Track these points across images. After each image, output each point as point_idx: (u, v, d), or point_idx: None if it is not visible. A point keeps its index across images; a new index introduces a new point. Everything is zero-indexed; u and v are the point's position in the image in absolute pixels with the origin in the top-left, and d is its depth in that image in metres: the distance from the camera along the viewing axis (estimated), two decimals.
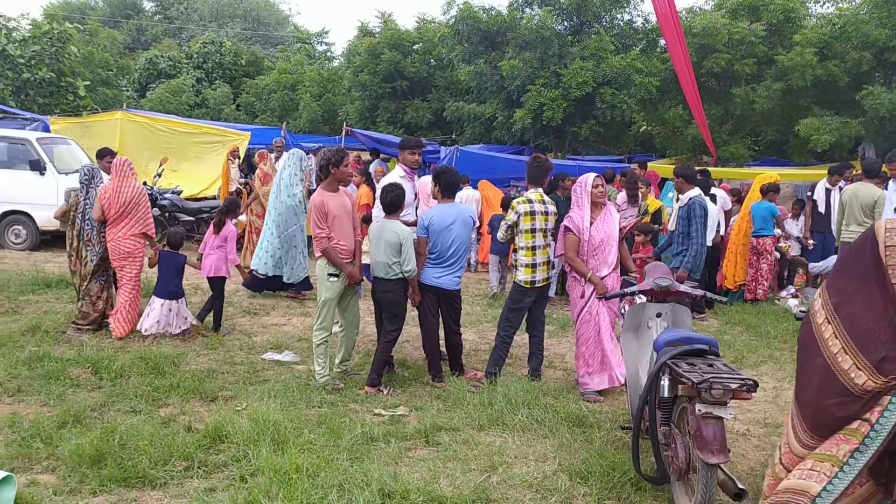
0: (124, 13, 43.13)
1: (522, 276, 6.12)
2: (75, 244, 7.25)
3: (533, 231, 6.09)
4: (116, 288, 7.37)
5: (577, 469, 4.41)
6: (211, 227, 7.72)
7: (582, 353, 6.10)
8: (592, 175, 6.01)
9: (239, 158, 13.25)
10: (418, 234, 6.17)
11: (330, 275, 5.89)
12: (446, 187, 6.21)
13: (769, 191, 10.02)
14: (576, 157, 18.78)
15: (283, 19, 48.37)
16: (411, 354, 7.04)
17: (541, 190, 6.30)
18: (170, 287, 7.25)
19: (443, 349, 6.43)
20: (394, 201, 5.93)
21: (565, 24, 19.28)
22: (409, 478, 4.23)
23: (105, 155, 9.06)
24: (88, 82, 22.15)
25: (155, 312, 7.16)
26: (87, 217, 7.23)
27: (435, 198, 6.34)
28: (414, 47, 23.49)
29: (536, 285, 6.15)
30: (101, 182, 7.42)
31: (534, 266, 6.10)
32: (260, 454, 4.32)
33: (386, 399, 5.75)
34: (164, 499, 3.94)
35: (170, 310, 7.20)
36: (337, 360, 6.17)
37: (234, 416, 4.91)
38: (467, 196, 11.34)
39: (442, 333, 6.34)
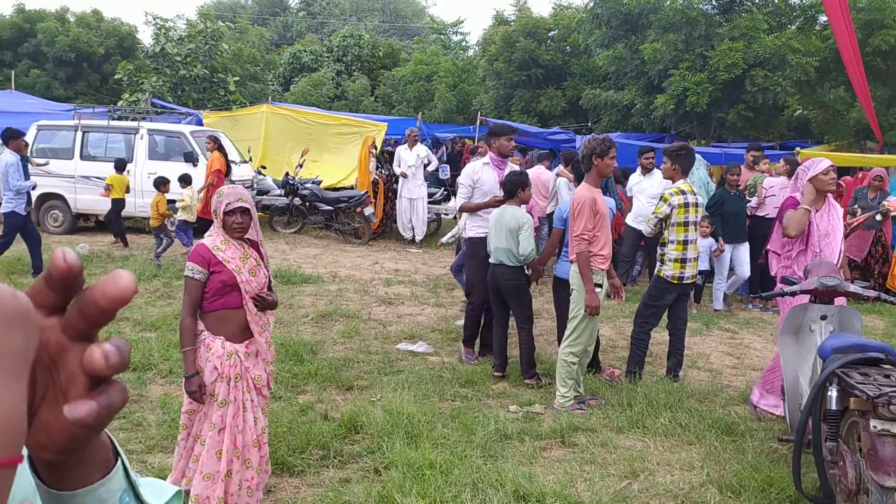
0: (272, 11, 45.22)
1: (670, 270, 5.75)
2: None
3: (686, 224, 5.73)
4: None
5: (727, 482, 4.08)
6: None
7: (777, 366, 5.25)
8: (825, 161, 5.19)
9: (376, 149, 13.47)
10: (555, 225, 6.03)
11: (595, 284, 5.30)
12: (580, 176, 5.98)
13: None
14: (721, 143, 17.79)
15: (420, 11, 49.08)
16: (545, 349, 6.85)
17: (689, 180, 5.92)
18: None
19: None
20: (513, 186, 5.76)
21: (713, 2, 18.28)
22: (545, 480, 4.07)
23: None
24: (238, 78, 23.36)
25: None
26: None
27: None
28: (549, 34, 23.09)
29: (684, 282, 5.80)
30: None
31: (684, 261, 5.74)
32: (394, 447, 4.29)
33: (520, 395, 5.61)
34: (301, 486, 3.99)
35: None
36: (581, 389, 5.53)
37: (368, 407, 4.92)
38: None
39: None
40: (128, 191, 10.99)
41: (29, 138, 12.45)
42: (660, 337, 6.56)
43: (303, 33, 41.05)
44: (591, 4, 18.61)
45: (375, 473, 4.11)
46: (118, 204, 10.93)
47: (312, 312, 7.71)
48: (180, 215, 10.19)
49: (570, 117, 22.10)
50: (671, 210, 5.72)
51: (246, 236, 3.50)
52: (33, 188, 9.06)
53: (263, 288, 3.51)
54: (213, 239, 3.48)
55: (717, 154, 13.74)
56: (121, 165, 11.03)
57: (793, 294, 4.50)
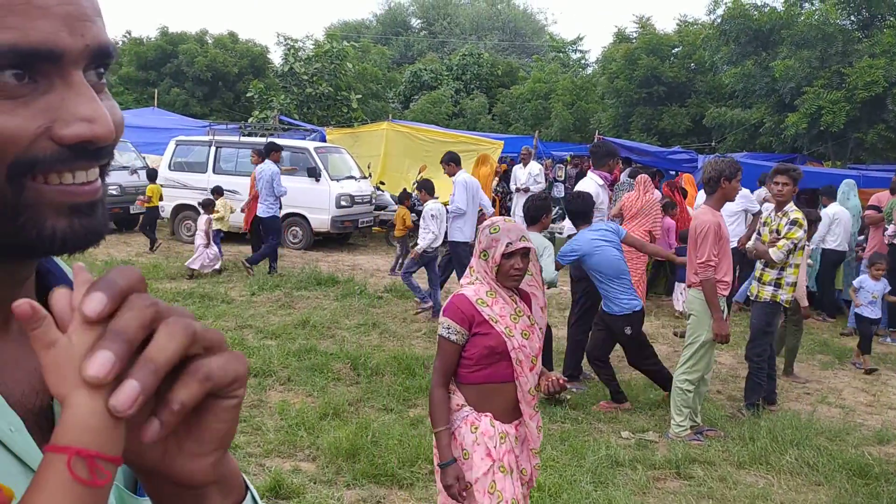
0: (394, 30, 46.47)
1: (785, 295, 5.56)
2: None
3: (803, 248, 5.62)
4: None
5: None
6: None
7: None
8: None
9: (492, 167, 13.53)
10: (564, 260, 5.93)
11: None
12: None
13: None
14: (858, 165, 16.72)
15: (540, 29, 49.08)
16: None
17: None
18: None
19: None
20: (538, 212, 5.54)
21: (852, 18, 17.28)
22: None
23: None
24: (360, 95, 24.07)
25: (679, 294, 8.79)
26: None
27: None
28: (673, 51, 22.53)
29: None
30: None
31: (795, 285, 5.62)
32: None
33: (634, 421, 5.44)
34: (409, 500, 4.02)
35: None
36: (698, 419, 5.32)
37: None
38: None
39: None
40: (161, 199, 11.79)
41: (167, 152, 13.36)
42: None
43: (423, 52, 41.90)
44: (718, 21, 18.01)
45: None
46: (154, 212, 11.60)
47: (425, 327, 7.81)
48: (214, 226, 10.81)
49: (692, 136, 21.43)
50: (803, 234, 5.49)
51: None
52: (284, 194, 10.36)
53: (538, 355, 2.71)
54: (478, 288, 2.67)
55: (854, 176, 12.92)
56: (153, 175, 11.67)
57: None
